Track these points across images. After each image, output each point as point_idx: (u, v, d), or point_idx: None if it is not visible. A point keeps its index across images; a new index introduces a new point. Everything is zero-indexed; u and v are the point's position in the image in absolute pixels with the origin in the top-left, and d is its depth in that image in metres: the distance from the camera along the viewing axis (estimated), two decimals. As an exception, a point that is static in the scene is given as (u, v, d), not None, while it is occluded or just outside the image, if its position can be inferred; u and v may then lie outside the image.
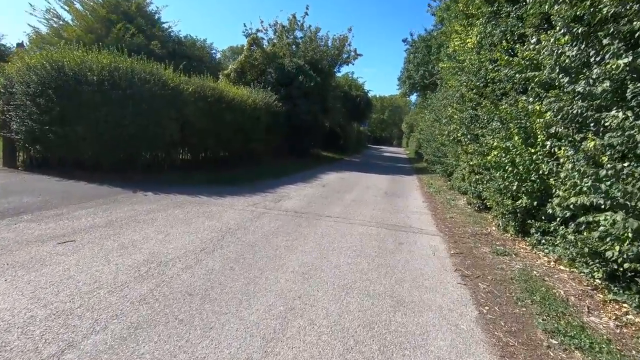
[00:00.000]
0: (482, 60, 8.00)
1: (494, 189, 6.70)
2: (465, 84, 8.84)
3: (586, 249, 3.80)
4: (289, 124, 17.24)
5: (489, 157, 5.86)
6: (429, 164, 17.73)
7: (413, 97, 30.20)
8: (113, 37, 18.93)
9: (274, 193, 8.59)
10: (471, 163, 6.74)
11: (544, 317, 3.19)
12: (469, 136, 8.10)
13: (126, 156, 8.61)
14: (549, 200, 4.78)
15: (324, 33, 19.22)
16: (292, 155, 18.69)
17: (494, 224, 6.92)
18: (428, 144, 16.96)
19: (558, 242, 4.74)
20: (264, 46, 18.14)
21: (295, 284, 3.56)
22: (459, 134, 8.67)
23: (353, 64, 19.81)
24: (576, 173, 3.83)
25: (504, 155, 5.50)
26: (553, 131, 4.75)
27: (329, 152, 24.64)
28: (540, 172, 4.82)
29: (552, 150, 4.59)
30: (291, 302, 3.16)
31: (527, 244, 5.56)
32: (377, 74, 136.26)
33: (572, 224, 4.24)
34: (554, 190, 4.54)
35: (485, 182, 7.51)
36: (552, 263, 4.64)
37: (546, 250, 5.04)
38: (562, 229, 4.64)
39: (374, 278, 3.89)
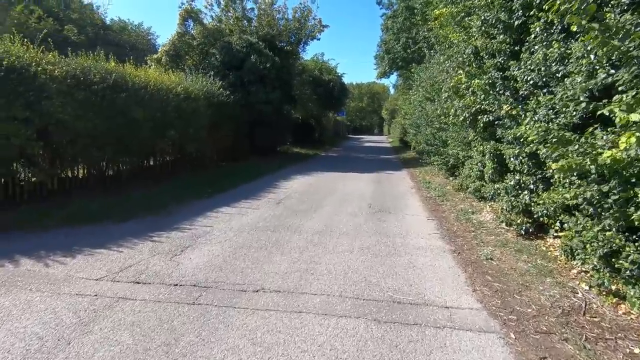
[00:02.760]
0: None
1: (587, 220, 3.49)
2: (483, 29, 5.56)
3: None
4: (244, 118, 13.72)
5: (606, 154, 2.55)
6: (421, 155, 14.58)
7: (392, 78, 26.92)
8: (12, 21, 14.91)
9: (185, 230, 5.15)
10: (554, 167, 3.41)
11: None
12: (503, 111, 4.82)
13: None
14: None
15: (281, 3, 15.64)
16: (254, 155, 15.20)
17: (575, 270, 3.70)
18: (417, 129, 13.76)
19: None
20: (206, 22, 14.44)
21: None
22: (484, 107, 5.41)
23: (319, 39, 16.40)
24: None
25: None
26: None
27: (301, 148, 21.20)
28: None
29: None
30: None
31: None
32: (353, 63, 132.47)
33: None
34: None
35: (545, 188, 4.30)
36: None
37: None
38: None
39: None
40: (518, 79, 4.78)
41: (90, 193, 7.28)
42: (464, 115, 6.50)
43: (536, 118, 4.14)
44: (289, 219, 5.85)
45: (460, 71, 6.36)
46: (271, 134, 15.64)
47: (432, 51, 11.91)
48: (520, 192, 4.90)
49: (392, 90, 44.17)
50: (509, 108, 4.46)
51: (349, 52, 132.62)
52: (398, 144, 27.49)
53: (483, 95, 5.50)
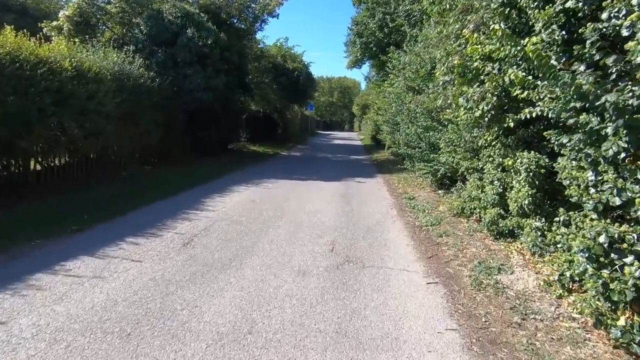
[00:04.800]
0: None
1: None
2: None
3: None
4: (178, 108, 10.76)
5: None
6: (397, 156, 12.30)
7: (365, 69, 24.42)
8: None
9: None
10: None
11: None
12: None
13: None
14: None
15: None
16: (196, 155, 12.29)
17: None
18: (395, 127, 11.41)
19: None
20: (132, -15, 11.23)
21: None
22: (529, 95, 2.99)
23: (277, 15, 13.64)
24: None
25: None
26: None
27: (260, 146, 18.38)
28: None
29: None
30: None
31: None
32: (324, 57, 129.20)
33: None
34: None
35: None
36: None
37: None
38: None
39: None
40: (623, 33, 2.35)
41: None
42: (481, 108, 4.07)
43: None
44: (181, 292, 3.18)
45: (485, 31, 3.85)
46: (218, 128, 12.74)
47: (415, 29, 9.52)
48: (618, 258, 2.49)
49: (363, 85, 42.02)
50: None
51: (321, 46, 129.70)
52: (370, 142, 25.26)
53: (528, 73, 3.04)
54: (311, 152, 19.23)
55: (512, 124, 3.84)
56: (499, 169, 4.63)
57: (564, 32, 3.00)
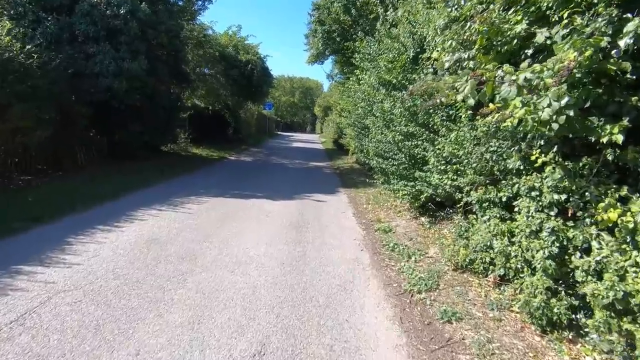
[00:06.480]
0: None
1: None
2: None
3: None
4: (82, 99, 8.04)
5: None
6: (365, 166, 10.42)
7: (327, 67, 22.34)
8: None
9: None
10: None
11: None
12: None
13: None
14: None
15: None
16: (113, 158, 9.59)
17: None
18: (363, 131, 9.42)
19: None
20: None
21: None
22: None
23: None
24: None
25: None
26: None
27: (205, 148, 15.74)
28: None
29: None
30: None
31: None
32: (285, 57, 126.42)
33: None
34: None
35: None
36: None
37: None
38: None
39: None
40: None
41: None
42: (547, 103, 2.07)
43: None
44: None
45: None
46: (143, 126, 10.06)
47: (389, 12, 7.60)
48: None
49: (326, 87, 40.19)
50: None
51: (283, 44, 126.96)
52: (332, 145, 23.31)
53: None
54: (265, 156, 16.84)
55: (619, 137, 1.88)
56: (551, 212, 2.69)
57: None
